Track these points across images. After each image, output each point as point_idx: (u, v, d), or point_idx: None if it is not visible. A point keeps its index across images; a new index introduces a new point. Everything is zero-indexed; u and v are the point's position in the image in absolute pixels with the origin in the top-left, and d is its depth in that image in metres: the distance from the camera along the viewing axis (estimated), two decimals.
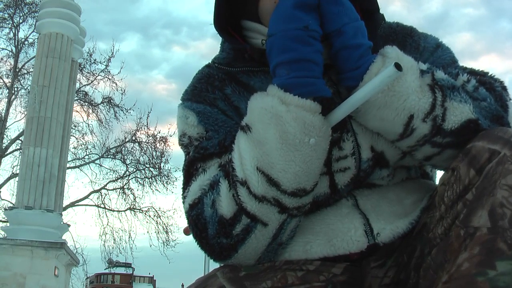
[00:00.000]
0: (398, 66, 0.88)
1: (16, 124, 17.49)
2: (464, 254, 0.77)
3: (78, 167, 14.93)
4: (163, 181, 14.77)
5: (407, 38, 1.10)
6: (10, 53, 14.38)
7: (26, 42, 14.36)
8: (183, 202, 0.99)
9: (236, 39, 1.09)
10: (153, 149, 15.00)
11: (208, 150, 1.00)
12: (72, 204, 14.49)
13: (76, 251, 13.09)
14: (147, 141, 15.01)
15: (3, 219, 12.77)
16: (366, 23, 1.02)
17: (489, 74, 1.03)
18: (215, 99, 1.05)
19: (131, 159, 14.98)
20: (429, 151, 0.96)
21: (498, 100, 0.98)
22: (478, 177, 0.82)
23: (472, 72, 1.03)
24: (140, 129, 14.90)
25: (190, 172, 1.00)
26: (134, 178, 14.96)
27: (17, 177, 10.84)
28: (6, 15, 14.03)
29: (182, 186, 1.02)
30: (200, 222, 0.94)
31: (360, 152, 1.00)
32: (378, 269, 0.98)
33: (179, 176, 15.07)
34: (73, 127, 13.73)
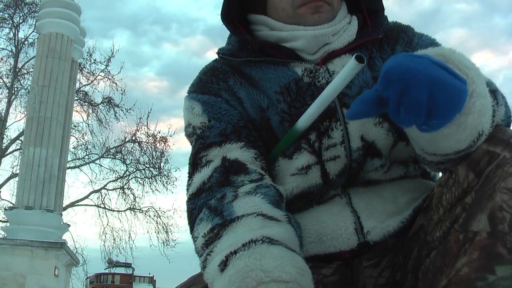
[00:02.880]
0: (359, 59, 0.86)
1: (16, 124, 17.52)
2: (463, 259, 0.77)
3: (78, 167, 14.91)
4: (163, 181, 14.76)
5: (401, 33, 1.12)
6: (10, 53, 14.38)
7: (26, 42, 14.36)
8: (187, 190, 1.02)
9: (240, 31, 1.12)
10: (153, 149, 15.00)
11: (208, 139, 1.02)
12: (72, 204, 14.48)
13: (76, 251, 13.08)
14: (147, 141, 15.02)
15: (3, 219, 12.76)
16: (371, 22, 1.08)
17: None
18: (219, 89, 1.08)
19: (131, 159, 14.99)
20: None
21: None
22: (477, 180, 0.81)
23: None
24: (140, 129, 14.91)
25: (195, 162, 1.03)
26: (134, 178, 14.96)
27: (17, 177, 10.82)
28: (6, 15, 14.03)
29: (187, 174, 1.04)
30: (192, 216, 0.96)
31: (350, 140, 1.00)
32: (371, 268, 0.98)
33: (179, 176, 15.15)
34: (73, 127, 13.71)
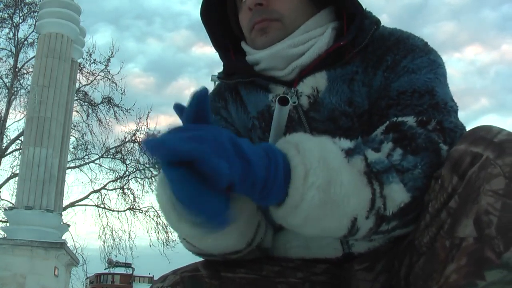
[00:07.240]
0: (281, 101, 0.83)
1: (16, 124, 17.35)
2: (451, 266, 0.76)
3: (78, 167, 14.89)
4: None
5: (388, 54, 1.02)
6: (10, 53, 14.37)
7: (25, 42, 14.35)
8: None
9: (228, 54, 1.15)
10: None
11: None
12: (72, 204, 14.45)
13: (76, 251, 13.07)
14: None
15: (3, 219, 12.74)
16: (349, 26, 1.04)
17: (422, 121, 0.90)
18: (219, 108, 1.15)
19: (131, 159, 14.98)
20: (380, 236, 0.89)
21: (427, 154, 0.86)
22: (461, 183, 0.78)
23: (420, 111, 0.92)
24: (140, 129, 14.89)
25: None
26: (134, 178, 14.95)
27: (17, 177, 10.82)
28: (6, 15, 14.01)
29: None
30: None
31: None
32: (365, 272, 0.98)
33: None
34: (73, 127, 13.70)
